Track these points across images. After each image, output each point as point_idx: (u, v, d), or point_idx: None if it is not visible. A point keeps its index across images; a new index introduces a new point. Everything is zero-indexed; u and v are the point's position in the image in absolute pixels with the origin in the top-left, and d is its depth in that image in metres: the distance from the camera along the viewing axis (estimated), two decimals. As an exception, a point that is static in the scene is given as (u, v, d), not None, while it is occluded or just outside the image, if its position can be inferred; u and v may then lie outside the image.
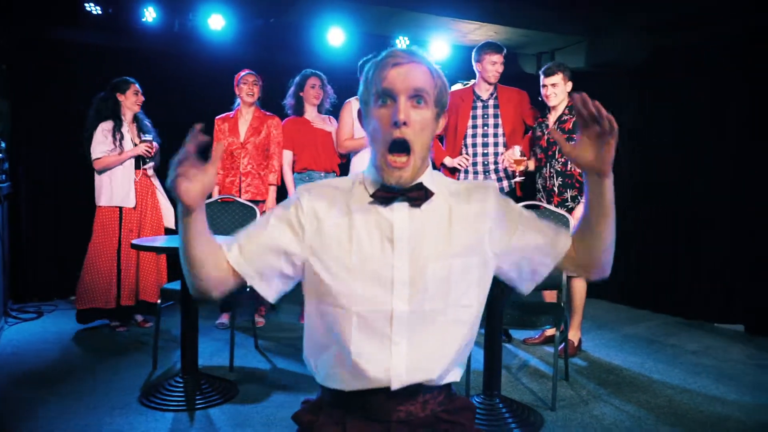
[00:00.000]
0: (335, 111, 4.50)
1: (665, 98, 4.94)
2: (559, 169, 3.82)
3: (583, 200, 3.72)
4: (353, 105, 4.25)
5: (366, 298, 1.22)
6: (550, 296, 3.90)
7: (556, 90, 3.79)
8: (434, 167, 4.30)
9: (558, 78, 3.79)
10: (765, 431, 2.70)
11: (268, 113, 4.37)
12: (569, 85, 3.80)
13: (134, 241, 3.09)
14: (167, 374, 3.28)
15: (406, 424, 1.26)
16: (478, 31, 4.84)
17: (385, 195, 1.25)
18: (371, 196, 1.26)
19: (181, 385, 2.94)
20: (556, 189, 3.84)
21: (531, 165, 4.00)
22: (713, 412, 2.90)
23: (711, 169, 4.61)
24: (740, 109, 4.44)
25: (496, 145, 4.08)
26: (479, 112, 4.12)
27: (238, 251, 1.27)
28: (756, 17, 4.27)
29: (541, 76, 3.85)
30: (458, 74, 5.10)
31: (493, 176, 4.10)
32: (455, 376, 1.31)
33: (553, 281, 3.23)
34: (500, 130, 4.07)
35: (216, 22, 5.05)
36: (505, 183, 4.10)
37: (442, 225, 1.26)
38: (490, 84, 4.07)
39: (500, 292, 2.75)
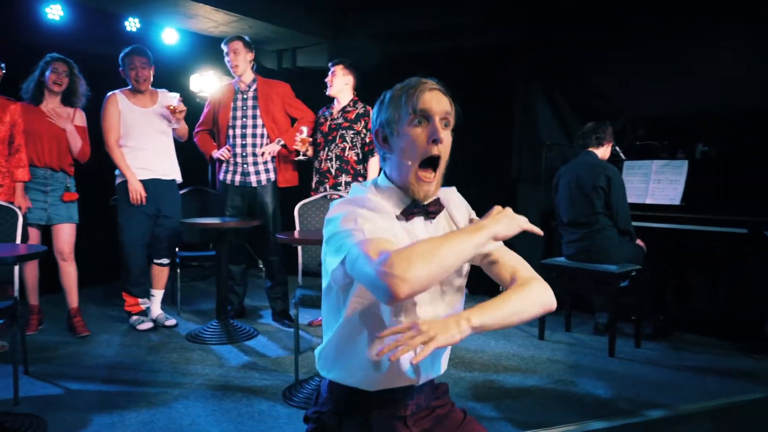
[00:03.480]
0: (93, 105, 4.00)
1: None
2: (338, 154, 4.11)
3: None
4: (118, 98, 3.96)
5: None
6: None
7: (334, 80, 4.11)
8: (206, 160, 4.22)
9: (337, 68, 4.11)
10: (538, 363, 3.49)
11: (8, 98, 3.63)
12: (348, 79, 4.13)
13: None
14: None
15: (416, 416, 1.44)
16: (235, 24, 4.82)
17: (413, 212, 1.38)
18: (402, 213, 1.38)
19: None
20: (332, 171, 4.12)
21: (310, 151, 4.21)
22: (496, 357, 3.62)
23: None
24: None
25: (254, 136, 4.16)
26: (239, 104, 4.17)
27: None
28: (468, 38, 5.24)
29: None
30: (189, 61, 4.99)
31: (252, 168, 4.18)
32: None
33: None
34: (259, 122, 4.15)
35: None
36: (263, 176, 4.21)
37: (449, 231, 1.46)
38: (243, 77, 4.14)
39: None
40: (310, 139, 4.12)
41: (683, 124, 4.35)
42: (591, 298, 4.22)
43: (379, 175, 1.48)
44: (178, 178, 4.18)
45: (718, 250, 3.87)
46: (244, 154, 4.16)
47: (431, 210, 1.41)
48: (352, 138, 4.10)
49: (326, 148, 4.15)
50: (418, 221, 1.40)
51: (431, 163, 1.37)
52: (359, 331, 1.37)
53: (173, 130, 4.13)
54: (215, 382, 3.11)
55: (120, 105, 3.96)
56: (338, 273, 1.30)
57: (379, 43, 5.48)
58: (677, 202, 3.99)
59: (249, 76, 4.17)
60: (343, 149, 4.10)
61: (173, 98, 3.94)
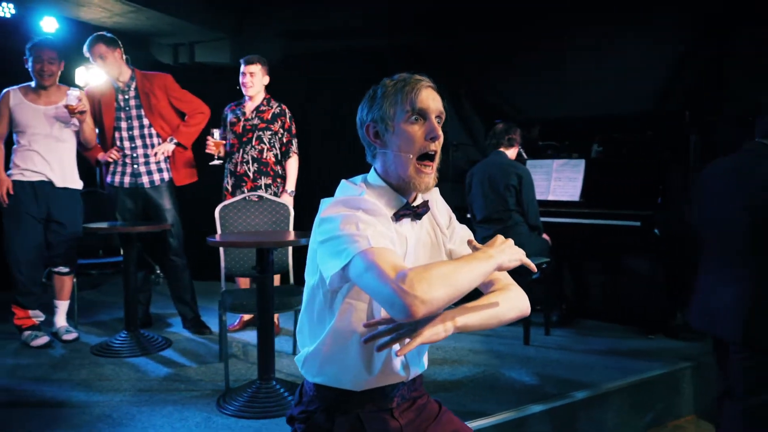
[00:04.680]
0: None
1: (295, 97, 5.55)
2: (255, 156, 3.95)
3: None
4: (11, 96, 3.65)
5: None
6: (244, 283, 4.07)
7: (254, 80, 3.95)
8: (94, 164, 3.94)
9: (257, 68, 3.94)
10: (462, 355, 3.60)
11: None
12: (266, 79, 4.00)
13: None
14: None
15: (401, 407, 1.48)
16: (131, 14, 4.52)
17: (405, 212, 1.40)
18: (395, 214, 1.40)
19: None
20: (250, 174, 3.96)
21: (222, 152, 4.04)
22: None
23: (329, 158, 5.34)
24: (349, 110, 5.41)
25: (143, 137, 3.94)
26: (122, 104, 3.92)
27: None
28: (372, 38, 5.30)
29: (242, 65, 3.95)
30: (76, 52, 4.64)
31: (143, 168, 3.95)
32: None
33: (281, 266, 3.51)
34: (146, 122, 3.93)
35: None
36: (156, 176, 3.99)
37: (433, 232, 1.50)
38: (120, 77, 3.89)
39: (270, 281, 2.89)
40: (224, 142, 3.96)
41: (580, 125, 4.71)
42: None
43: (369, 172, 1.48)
44: (76, 185, 3.83)
45: (614, 243, 4.22)
46: (134, 155, 3.92)
47: (420, 212, 1.43)
48: (270, 139, 3.97)
49: (241, 150, 3.98)
50: (406, 222, 1.42)
51: (428, 156, 1.40)
52: (350, 334, 1.37)
53: (77, 133, 3.79)
54: (138, 397, 2.90)
55: (11, 102, 3.63)
56: (336, 277, 1.28)
57: (283, 41, 5.39)
58: (576, 198, 4.31)
59: (126, 73, 3.90)
60: (261, 151, 3.96)
61: (71, 96, 3.60)
